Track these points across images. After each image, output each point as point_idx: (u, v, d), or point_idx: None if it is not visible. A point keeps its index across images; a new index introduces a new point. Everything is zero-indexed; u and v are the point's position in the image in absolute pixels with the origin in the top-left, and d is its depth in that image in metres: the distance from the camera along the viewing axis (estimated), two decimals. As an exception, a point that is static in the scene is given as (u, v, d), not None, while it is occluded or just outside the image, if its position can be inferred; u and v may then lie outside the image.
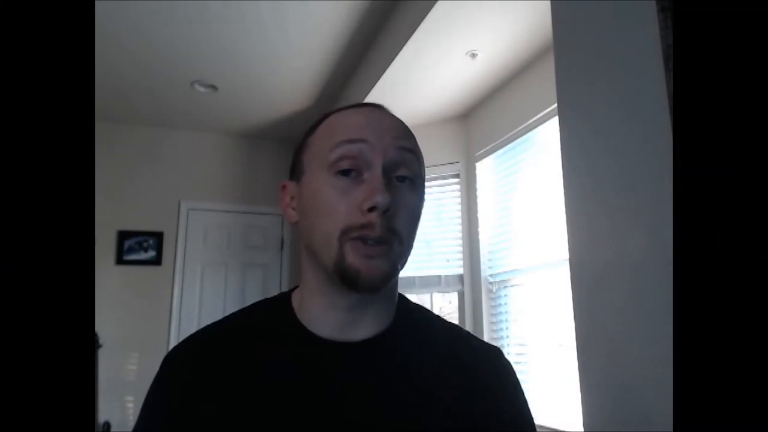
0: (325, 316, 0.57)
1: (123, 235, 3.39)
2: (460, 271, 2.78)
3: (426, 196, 0.60)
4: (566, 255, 1.16)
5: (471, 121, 2.88)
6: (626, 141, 1.01)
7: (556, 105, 1.42)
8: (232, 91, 3.07)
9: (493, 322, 2.60)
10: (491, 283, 2.63)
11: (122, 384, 3.20)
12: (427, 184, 0.60)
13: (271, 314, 0.61)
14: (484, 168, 2.76)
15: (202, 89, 3.04)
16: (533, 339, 2.27)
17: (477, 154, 2.77)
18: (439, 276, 2.84)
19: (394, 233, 0.53)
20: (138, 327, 3.30)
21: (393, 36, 2.30)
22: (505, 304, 2.52)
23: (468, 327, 2.64)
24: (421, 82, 2.51)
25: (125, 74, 2.85)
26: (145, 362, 3.25)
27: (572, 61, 1.18)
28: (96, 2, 1.11)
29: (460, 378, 0.57)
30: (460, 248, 2.80)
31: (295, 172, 0.60)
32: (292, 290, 0.62)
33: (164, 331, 3.37)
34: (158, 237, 3.47)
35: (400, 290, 0.62)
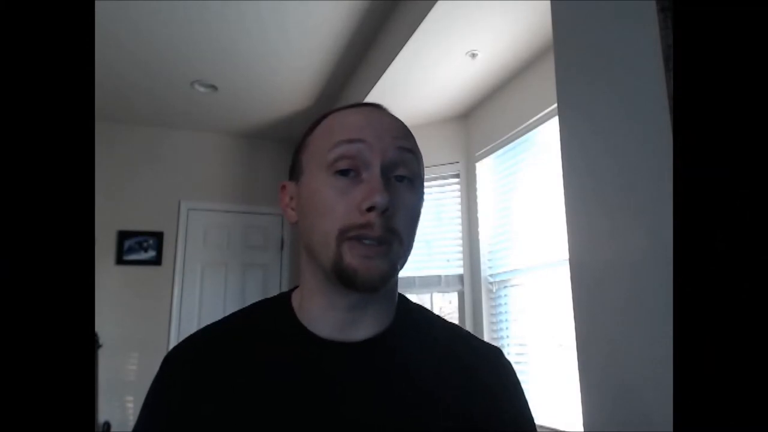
0: (324, 316, 0.57)
1: (123, 235, 3.40)
2: (460, 271, 2.78)
3: (426, 196, 0.59)
4: (566, 255, 1.16)
5: (471, 121, 2.88)
6: (626, 141, 1.01)
7: (556, 105, 1.42)
8: (232, 91, 3.07)
9: (493, 322, 2.60)
10: (491, 283, 2.63)
11: (122, 384, 3.20)
12: (427, 184, 0.60)
13: (271, 314, 0.61)
14: (484, 168, 2.75)
15: (202, 89, 3.04)
16: (533, 339, 2.27)
17: (477, 154, 2.77)
18: (439, 276, 2.84)
19: (394, 233, 0.52)
20: (138, 327, 3.30)
21: (393, 36, 2.30)
22: (505, 304, 2.52)
23: (468, 327, 2.64)
24: (421, 82, 2.51)
25: (125, 74, 2.85)
26: (145, 362, 3.26)
27: (572, 61, 1.18)
28: (96, 2, 1.11)
29: (460, 378, 0.57)
30: (460, 248, 2.80)
31: (294, 172, 0.60)
32: (292, 290, 0.62)
33: (164, 331, 3.37)
34: (158, 237, 3.47)
35: (400, 290, 0.62)
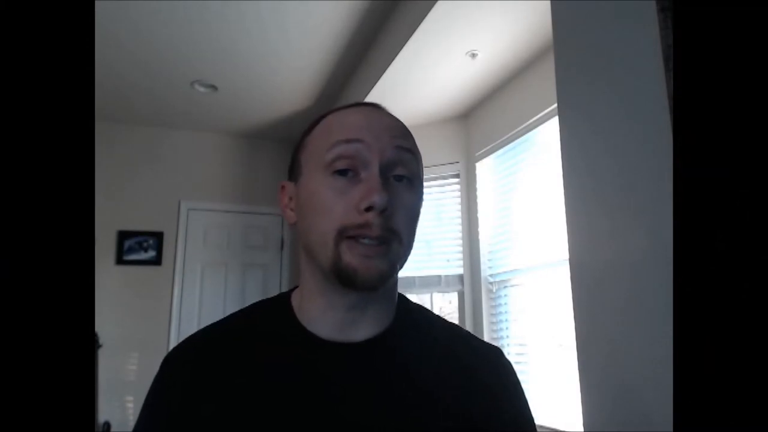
0: (324, 316, 0.56)
1: (123, 235, 3.40)
2: (460, 271, 2.78)
3: (426, 196, 0.59)
4: (566, 255, 1.16)
5: (471, 121, 2.88)
6: (626, 141, 1.01)
7: (556, 105, 1.42)
8: (232, 91, 3.07)
9: (493, 322, 2.60)
10: (491, 283, 2.63)
11: (122, 384, 3.20)
12: (426, 184, 0.60)
13: (270, 314, 0.61)
14: (484, 168, 2.75)
15: (202, 89, 3.04)
16: (533, 339, 2.27)
17: (477, 154, 2.77)
18: (439, 276, 2.84)
19: (394, 233, 0.52)
20: (138, 327, 3.30)
21: (393, 36, 2.30)
22: (505, 304, 2.52)
23: (468, 327, 2.64)
24: (421, 82, 2.51)
25: (125, 74, 2.85)
26: (145, 362, 3.26)
27: (572, 61, 1.18)
28: (96, 2, 1.11)
29: (460, 378, 0.57)
30: (460, 248, 2.80)
31: (293, 172, 0.60)
32: (291, 290, 0.62)
33: (164, 331, 3.37)
34: (158, 237, 3.47)
35: (400, 290, 0.62)
